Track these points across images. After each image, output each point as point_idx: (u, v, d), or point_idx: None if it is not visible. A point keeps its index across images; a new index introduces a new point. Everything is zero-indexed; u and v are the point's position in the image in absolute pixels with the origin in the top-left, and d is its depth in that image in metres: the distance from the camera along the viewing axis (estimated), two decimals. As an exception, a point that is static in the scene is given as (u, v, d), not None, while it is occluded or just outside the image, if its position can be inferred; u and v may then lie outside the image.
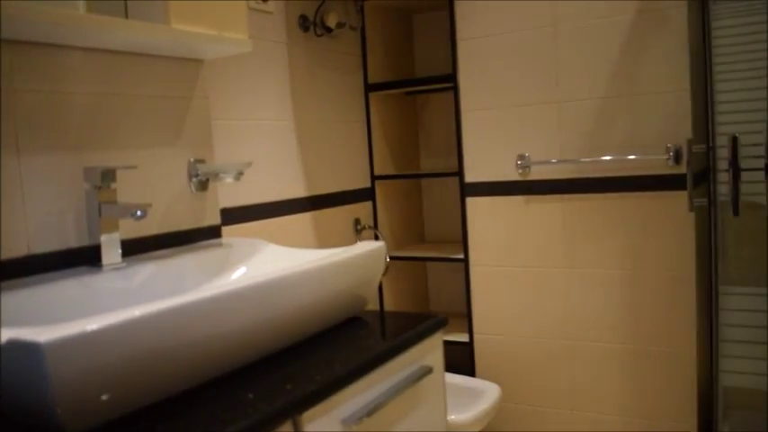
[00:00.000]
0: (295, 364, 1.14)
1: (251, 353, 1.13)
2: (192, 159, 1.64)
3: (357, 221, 2.51)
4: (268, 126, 2.07)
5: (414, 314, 1.40)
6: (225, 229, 1.85)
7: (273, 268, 1.47)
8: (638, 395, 2.25)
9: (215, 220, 1.72)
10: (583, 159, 2.23)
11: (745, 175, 1.96)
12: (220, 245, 1.57)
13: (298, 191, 2.19)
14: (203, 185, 1.66)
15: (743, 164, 1.94)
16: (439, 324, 1.37)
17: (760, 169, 1.96)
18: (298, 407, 1.00)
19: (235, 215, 1.91)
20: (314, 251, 1.49)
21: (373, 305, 2.59)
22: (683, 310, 2.15)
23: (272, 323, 1.13)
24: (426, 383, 1.34)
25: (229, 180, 1.57)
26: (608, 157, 2.19)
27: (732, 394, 2.43)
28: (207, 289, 1.02)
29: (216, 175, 1.59)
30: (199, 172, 1.62)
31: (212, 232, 1.71)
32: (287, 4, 2.16)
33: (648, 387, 2.24)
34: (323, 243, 2.30)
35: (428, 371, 1.31)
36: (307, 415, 1.03)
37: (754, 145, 1.96)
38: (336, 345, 1.23)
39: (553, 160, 2.28)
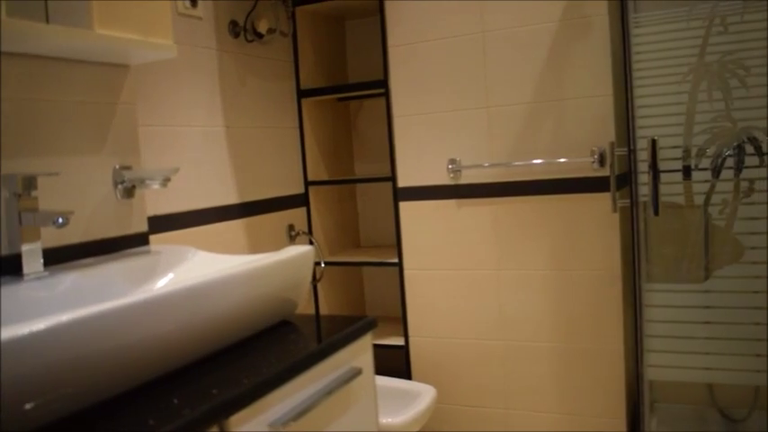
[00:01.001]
0: (223, 369, 1.14)
1: (178, 358, 1.12)
2: (117, 166, 1.62)
3: (291, 227, 2.51)
4: (198, 132, 2.05)
5: (343, 317, 1.41)
6: (155, 238, 1.82)
7: (201, 274, 1.46)
8: (570, 392, 2.31)
9: (142, 227, 1.69)
10: (512, 163, 2.28)
11: (664, 177, 2.04)
12: (148, 252, 1.55)
13: (229, 197, 2.18)
14: (129, 192, 1.63)
15: (662, 166, 2.02)
16: (368, 326, 1.38)
17: (678, 171, 2.04)
18: (224, 411, 1.00)
19: (165, 223, 1.89)
20: (242, 257, 1.48)
21: (308, 309, 2.59)
22: (610, 308, 2.22)
23: (199, 328, 1.12)
24: (356, 385, 1.35)
25: (156, 186, 1.55)
26: (536, 161, 2.24)
27: (658, 388, 2.52)
28: (131, 295, 1.00)
29: (142, 182, 1.57)
30: (124, 179, 1.59)
31: (139, 240, 1.68)
32: (217, 10, 2.15)
33: (580, 384, 2.29)
34: (256, 250, 2.29)
35: (358, 372, 1.31)
36: (234, 419, 1.03)
37: (673, 147, 2.04)
38: (265, 348, 1.23)
39: (485, 164, 2.32)
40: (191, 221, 1.99)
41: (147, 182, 1.55)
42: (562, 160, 2.20)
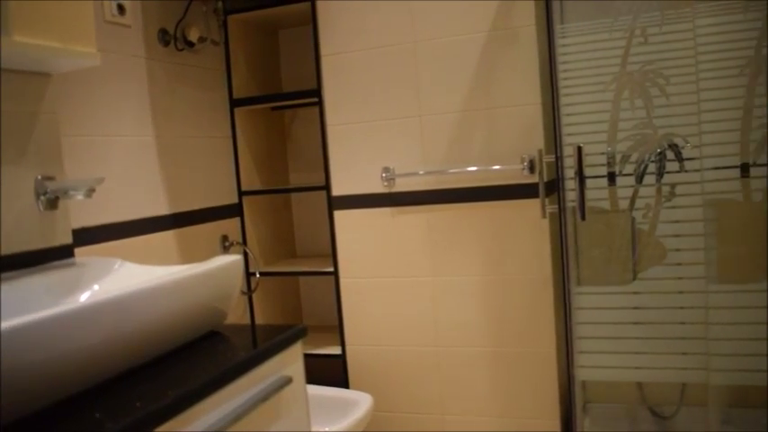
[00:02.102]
0: (149, 381, 1.12)
1: (102, 371, 1.09)
2: (39, 177, 1.57)
3: (225, 238, 2.48)
4: (127, 142, 2.01)
5: (272, 325, 1.40)
6: (83, 250, 1.77)
7: (126, 285, 1.43)
8: (504, 395, 2.34)
9: (66, 239, 1.65)
10: (444, 171, 2.31)
11: (590, 183, 2.09)
12: (72, 264, 1.51)
13: (160, 208, 2.14)
14: (52, 204, 1.59)
15: (588, 172, 2.07)
16: (298, 334, 1.38)
17: (603, 176, 2.10)
18: (148, 424, 0.98)
19: (93, 235, 1.84)
20: (170, 267, 1.46)
21: (243, 321, 2.56)
22: (542, 312, 2.26)
23: (123, 340, 1.10)
24: (287, 394, 1.34)
25: (80, 197, 1.52)
26: (468, 168, 2.28)
27: (590, 388, 2.57)
28: (52, 308, 0.98)
29: (66, 193, 1.53)
30: (47, 189, 1.55)
31: (64, 252, 1.64)
32: (146, 18, 2.12)
33: (514, 386, 2.33)
34: (188, 261, 2.26)
35: (288, 381, 1.31)
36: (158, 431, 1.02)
37: (599, 154, 2.10)
38: (193, 359, 1.22)
39: (419, 172, 2.34)
40: (120, 233, 1.95)
41: (71, 192, 1.52)
42: (495, 167, 2.24)
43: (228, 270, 1.32)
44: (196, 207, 2.32)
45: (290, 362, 1.37)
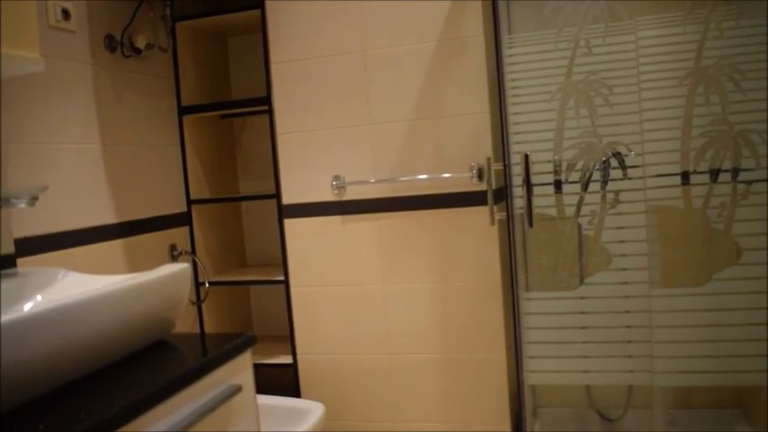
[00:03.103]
0: (94, 392, 1.09)
1: (46, 383, 1.07)
2: (-21, 185, 1.53)
3: (173, 247, 2.45)
4: (72, 150, 1.97)
5: (222, 334, 1.39)
6: (27, 260, 1.73)
7: (69, 295, 1.40)
8: (456, 401, 2.36)
9: (8, 248, 1.61)
10: (395, 179, 2.32)
11: (537, 190, 2.13)
12: (15, 275, 1.47)
13: (107, 217, 2.10)
14: (-6, 212, 1.55)
15: (535, 180, 2.11)
16: (247, 342, 1.37)
17: (550, 184, 2.14)
18: (92, 436, 0.96)
19: (36, 245, 1.80)
20: (115, 276, 1.44)
21: (191, 330, 2.53)
22: (492, 318, 2.29)
23: (67, 351, 1.07)
24: (237, 403, 1.33)
25: (22, 206, 1.48)
26: (418, 176, 2.29)
27: (540, 393, 2.61)
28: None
29: (7, 201, 1.49)
30: (-12, 198, 1.51)
31: (6, 262, 1.60)
32: (92, 24, 2.09)
33: (465, 392, 2.34)
34: (136, 271, 2.22)
35: (237, 390, 1.30)
36: (103, 443, 0.99)
37: (545, 162, 2.14)
38: (140, 369, 1.20)
39: (370, 180, 2.35)
40: (65, 243, 1.91)
41: (13, 201, 1.48)
42: (445, 175, 2.26)
43: (176, 278, 1.31)
44: (144, 216, 2.29)
45: (240, 370, 1.35)
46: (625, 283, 2.11)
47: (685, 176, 2.02)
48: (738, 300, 1.98)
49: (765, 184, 1.93)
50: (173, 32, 2.48)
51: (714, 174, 1.99)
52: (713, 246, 2.02)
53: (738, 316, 1.98)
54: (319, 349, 2.47)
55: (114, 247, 2.13)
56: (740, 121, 1.95)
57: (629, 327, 2.11)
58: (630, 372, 2.14)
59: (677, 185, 2.03)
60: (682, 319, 2.03)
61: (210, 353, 1.26)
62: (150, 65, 2.38)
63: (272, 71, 2.42)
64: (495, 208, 2.14)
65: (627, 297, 2.11)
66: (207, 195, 2.65)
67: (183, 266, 1.33)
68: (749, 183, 1.96)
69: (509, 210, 2.08)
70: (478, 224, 2.26)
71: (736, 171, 1.97)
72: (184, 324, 2.49)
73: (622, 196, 2.09)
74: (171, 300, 1.31)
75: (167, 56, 2.48)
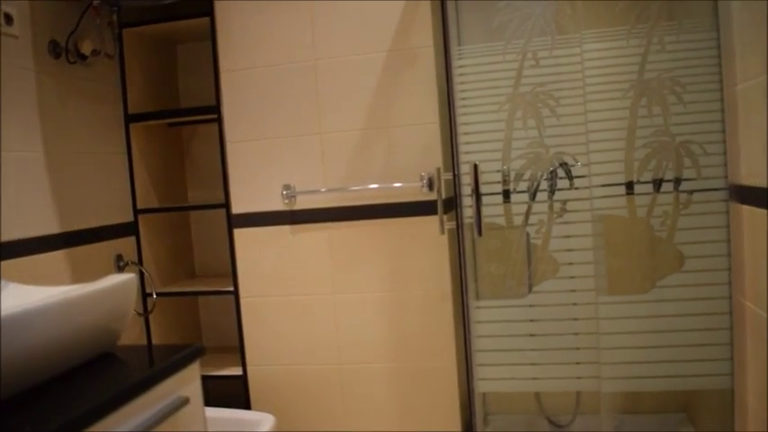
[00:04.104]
0: (35, 406, 1.06)
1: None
2: None
3: (119, 257, 2.40)
4: (13, 158, 1.92)
5: (168, 345, 1.37)
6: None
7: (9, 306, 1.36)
8: (407, 410, 2.36)
9: (-55, 259, 1.55)
10: (345, 188, 2.32)
11: (486, 199, 2.15)
12: (-49, 287, 1.43)
13: (50, 227, 2.05)
14: (-71, 222, 1.50)
15: (484, 189, 2.13)
16: (195, 353, 1.34)
17: (499, 194, 2.17)
18: (32, 451, 0.94)
19: (-26, 255, 1.74)
20: (58, 288, 1.40)
21: (139, 342, 2.47)
22: (442, 326, 2.30)
23: (7, 364, 1.04)
24: (184, 415, 1.30)
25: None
26: (368, 186, 2.30)
27: (491, 400, 2.63)
28: None
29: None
30: (-77, 207, 1.46)
31: (-58, 273, 1.54)
32: (35, 29, 2.04)
33: (416, 401, 2.35)
34: (80, 282, 2.16)
35: (185, 402, 1.27)
36: (44, 460, 0.97)
37: (494, 172, 2.17)
38: (84, 382, 1.17)
39: (321, 189, 2.34)
40: (6, 253, 1.85)
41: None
42: (395, 185, 2.27)
43: (121, 289, 1.28)
44: (88, 226, 2.24)
45: (187, 382, 1.33)
46: (572, 290, 2.14)
47: (630, 186, 2.06)
48: (681, 306, 2.03)
49: (706, 193, 1.99)
50: (120, 39, 2.44)
51: (657, 184, 2.04)
52: (657, 254, 2.07)
53: (681, 322, 2.03)
54: (269, 360, 2.45)
55: (58, 257, 2.08)
56: (681, 133, 2.01)
57: (576, 334, 2.15)
58: (578, 378, 2.17)
59: (622, 195, 2.07)
60: (627, 325, 2.08)
61: (157, 365, 1.24)
62: (96, 71, 2.34)
63: (222, 79, 2.40)
64: (445, 217, 2.16)
65: (574, 304, 2.14)
66: (154, 205, 2.60)
67: (128, 277, 1.31)
68: (690, 192, 2.01)
69: (458, 219, 2.10)
70: (428, 233, 2.27)
71: (677, 181, 2.02)
72: (131, 336, 2.44)
73: (569, 206, 2.13)
74: (116, 311, 1.28)
75: (114, 63, 2.44)
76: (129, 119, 2.48)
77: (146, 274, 2.50)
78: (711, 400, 2.22)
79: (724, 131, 1.94)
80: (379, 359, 2.37)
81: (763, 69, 1.58)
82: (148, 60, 2.61)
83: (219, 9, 2.37)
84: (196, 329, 2.84)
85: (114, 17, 2.25)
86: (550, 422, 2.56)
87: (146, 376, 1.18)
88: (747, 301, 1.82)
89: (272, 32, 2.35)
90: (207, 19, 2.40)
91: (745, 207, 1.80)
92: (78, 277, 2.16)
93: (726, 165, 1.95)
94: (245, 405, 2.48)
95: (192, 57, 2.80)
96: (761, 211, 1.67)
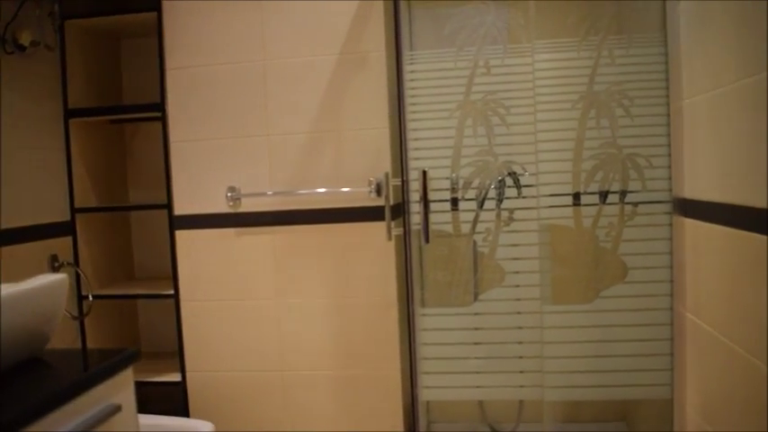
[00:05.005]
0: (-50, 416, 0.99)
1: None
2: None
3: (54, 258, 2.30)
4: (-59, 150, 1.83)
5: (100, 350, 1.31)
6: None
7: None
8: (350, 418, 2.32)
9: None
10: (292, 192, 2.28)
11: (435, 206, 2.14)
12: None
13: (-21, 224, 1.96)
14: None
15: (433, 196, 2.12)
16: (128, 359, 1.28)
17: (447, 201, 2.16)
18: (-55, 463, 0.87)
19: None
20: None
21: (73, 347, 2.38)
22: (387, 334, 2.27)
23: None
24: (116, 423, 1.24)
25: None
26: (316, 190, 2.26)
27: (434, 408, 2.62)
28: None
29: None
30: None
31: None
32: (-32, 17, 1.95)
33: (360, 409, 2.32)
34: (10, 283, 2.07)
35: (116, 410, 1.21)
36: (-42, 472, 0.90)
37: (443, 179, 2.16)
38: (7, 389, 1.10)
39: (268, 192, 2.29)
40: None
41: None
42: (343, 190, 2.24)
43: (51, 290, 1.21)
44: (21, 224, 2.15)
45: (120, 389, 1.27)
46: (518, 299, 2.14)
47: (576, 197, 2.08)
48: (624, 316, 2.05)
49: (650, 205, 2.02)
50: (61, 30, 2.35)
51: (603, 195, 2.06)
52: (601, 264, 2.08)
53: (624, 332, 2.05)
54: (210, 366, 2.39)
55: (-13, 256, 1.98)
56: (628, 145, 2.03)
57: (521, 343, 2.15)
58: (522, 387, 2.17)
59: (569, 205, 2.08)
60: (571, 335, 2.09)
61: (88, 370, 1.18)
62: (35, 64, 2.25)
63: (168, 77, 2.33)
64: (393, 223, 2.13)
65: (519, 313, 2.14)
66: (93, 204, 2.52)
67: (59, 277, 1.24)
68: (635, 204, 2.03)
69: (406, 225, 2.08)
70: (375, 239, 2.25)
71: (623, 193, 2.04)
72: (65, 340, 2.34)
73: (516, 215, 2.13)
74: (45, 313, 1.21)
75: (54, 55, 2.35)
76: (69, 114, 2.39)
77: (82, 275, 2.41)
78: (650, 409, 2.25)
79: (669, 145, 1.97)
80: (322, 366, 2.33)
81: (710, 85, 1.61)
82: (91, 54, 2.53)
83: (167, 4, 2.31)
84: (134, 334, 2.75)
85: (56, 7, 2.17)
86: (493, 430, 2.55)
87: (73, 383, 1.12)
88: (688, 313, 1.85)
89: (220, 31, 2.29)
90: (154, 14, 2.33)
91: (688, 220, 1.82)
92: (10, 278, 2.05)
93: (670, 178, 1.97)
94: (184, 412, 2.42)
95: (137, 53, 2.71)
96: (703, 225, 1.69)
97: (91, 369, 1.18)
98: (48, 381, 1.13)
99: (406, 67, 2.13)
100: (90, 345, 2.44)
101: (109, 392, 1.23)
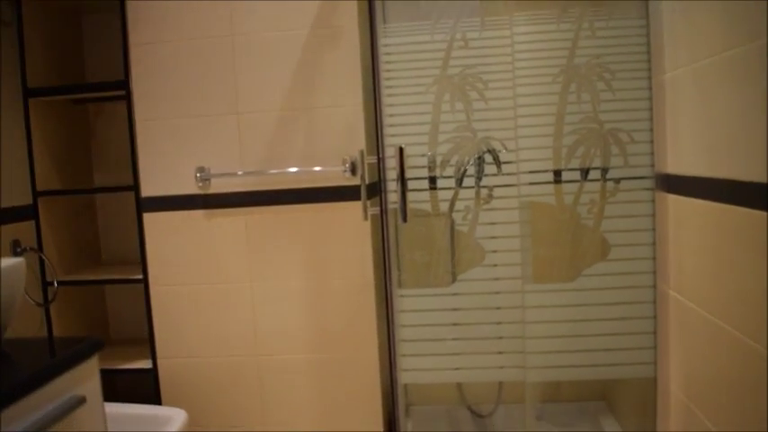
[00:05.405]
0: None
1: None
2: None
3: (16, 243, 2.21)
4: None
5: (64, 338, 1.23)
6: None
7: None
8: (327, 403, 2.27)
9: None
10: (264, 171, 2.21)
11: (412, 184, 2.08)
12: None
13: (-67, 208, 1.86)
14: None
15: (410, 174, 2.06)
16: (92, 347, 1.21)
17: (425, 178, 2.10)
18: None
19: None
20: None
21: (38, 335, 2.29)
22: (364, 316, 2.22)
23: None
24: (81, 416, 1.17)
25: None
26: (288, 170, 2.19)
27: (413, 391, 2.58)
28: None
29: None
30: None
31: None
32: None
33: (337, 393, 2.27)
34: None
35: (80, 401, 1.14)
36: None
37: (420, 156, 2.10)
38: (-42, 383, 1.02)
39: (238, 172, 2.22)
40: None
41: None
42: (316, 169, 2.17)
43: (6, 275, 1.13)
44: (-21, 208, 2.05)
45: (84, 379, 1.20)
46: (498, 279, 2.10)
47: (557, 174, 2.03)
48: (606, 295, 2.01)
49: (632, 181, 1.97)
50: (18, 4, 2.24)
51: (584, 171, 2.01)
52: (583, 242, 2.04)
53: (606, 311, 2.01)
54: (181, 352, 2.32)
55: (-57, 242, 1.89)
56: (609, 120, 1.98)
57: (500, 323, 2.10)
58: (501, 368, 2.13)
59: (550, 182, 2.03)
60: (553, 314, 2.04)
61: (47, 360, 1.10)
62: (-11, 39, 2.14)
63: (131, 53, 2.24)
64: (369, 203, 2.07)
65: (499, 293, 2.10)
66: (56, 187, 2.42)
67: (15, 261, 1.16)
68: (617, 180, 1.99)
69: (383, 204, 2.02)
70: (351, 219, 2.19)
71: (605, 169, 2.00)
72: (30, 329, 2.25)
73: (496, 192, 2.07)
74: (1, 300, 1.13)
75: (11, 31, 2.24)
76: (28, 93, 2.29)
77: (46, 260, 2.31)
78: (630, 388, 2.23)
79: (652, 119, 1.93)
80: (298, 350, 2.27)
81: (695, 57, 1.56)
82: (51, 30, 2.41)
83: (129, -23, 2.21)
84: (102, 320, 2.67)
85: (10, -20, 2.06)
86: (472, 412, 2.52)
87: (32, 374, 1.05)
88: (671, 290, 1.82)
89: (186, 4, 2.20)
90: (115, -13, 2.23)
91: (671, 196, 1.78)
92: (-33, 264, 1.97)
93: (653, 153, 1.93)
94: (156, 400, 2.34)
95: (99, 29, 2.60)
96: (687, 200, 1.65)
97: (51, 359, 1.11)
98: (4, 372, 1.06)
99: (381, 41, 2.05)
100: (56, 333, 2.36)
101: (72, 384, 1.16)
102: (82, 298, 2.54)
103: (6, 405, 0.98)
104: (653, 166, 1.94)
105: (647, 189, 1.95)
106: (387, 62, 2.09)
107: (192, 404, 2.33)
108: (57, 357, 1.12)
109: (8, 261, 1.16)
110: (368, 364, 2.24)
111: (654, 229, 1.94)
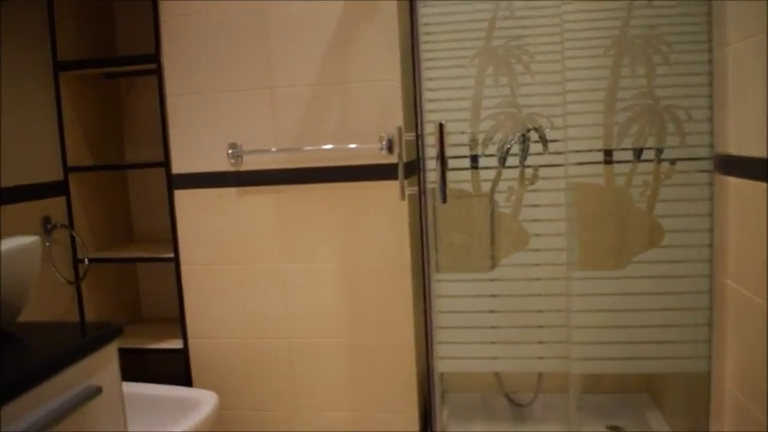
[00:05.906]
0: None
1: None
2: None
3: (47, 220, 2.17)
4: None
5: (76, 324, 1.16)
6: None
7: None
8: (360, 388, 2.21)
9: None
10: (298, 148, 2.13)
11: (452, 163, 1.97)
12: None
13: (-40, 183, 1.82)
14: None
15: (450, 152, 1.95)
16: (110, 334, 1.14)
17: (466, 157, 1.99)
18: None
19: None
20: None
21: (70, 316, 2.26)
22: (400, 300, 2.14)
23: None
24: (96, 407, 1.10)
25: None
26: (322, 147, 2.11)
27: (448, 378, 2.49)
28: None
29: None
30: None
31: None
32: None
33: (370, 379, 2.20)
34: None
35: (96, 392, 1.07)
36: None
37: (461, 133, 1.99)
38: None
39: (271, 149, 2.14)
40: None
41: None
42: (352, 146, 2.08)
43: (19, 255, 1.07)
44: (11, 184, 2.01)
45: (100, 368, 1.13)
46: (542, 264, 1.99)
47: (608, 153, 1.90)
48: (658, 283, 1.89)
49: (689, 163, 1.84)
50: (47, -25, 2.18)
51: (637, 151, 1.89)
52: (635, 227, 1.92)
53: (658, 300, 1.89)
54: (212, 333, 2.27)
55: (-29, 218, 1.85)
56: (666, 96, 1.84)
57: (541, 311, 2.00)
58: (541, 358, 2.03)
59: (599, 162, 1.91)
60: (600, 303, 1.93)
61: (58, 348, 1.04)
62: (21, 11, 2.08)
63: (162, 26, 2.17)
64: (406, 182, 1.97)
65: (544, 279, 1.99)
66: (88, 162, 2.37)
67: (29, 240, 1.10)
68: (673, 161, 1.86)
69: (421, 184, 1.92)
70: (388, 199, 2.10)
71: (660, 149, 1.87)
72: (61, 307, 2.22)
73: (542, 172, 1.96)
74: (13, 282, 1.07)
75: (42, 2, 2.18)
76: (59, 67, 2.23)
77: (77, 237, 2.28)
78: (677, 381, 2.11)
79: (711, 96, 1.79)
80: (331, 334, 2.20)
81: (762, 28, 1.43)
82: (81, 3, 2.35)
83: (160, -55, 2.13)
84: (134, 299, 2.63)
85: (39, -52, 2.00)
86: (510, 401, 2.43)
87: (40, 364, 0.98)
88: (730, 281, 1.69)
89: (219, -27, 2.12)
90: (146, -44, 2.15)
91: (732, 179, 1.65)
92: None
93: (712, 132, 1.80)
94: (186, 381, 2.30)
95: (131, 1, 2.54)
96: (751, 183, 1.52)
97: (63, 347, 1.04)
98: (13, 362, 0.99)
99: (421, 11, 1.94)
100: (87, 311, 2.33)
101: (86, 373, 1.09)
102: (114, 276, 2.50)
103: (13, 396, 0.91)
104: (712, 146, 1.80)
105: (706, 171, 1.82)
106: (426, 33, 1.98)
107: (222, 385, 2.30)
108: (70, 345, 1.05)
109: (22, 240, 1.09)
110: (402, 351, 2.17)
111: (711, 215, 1.81)
